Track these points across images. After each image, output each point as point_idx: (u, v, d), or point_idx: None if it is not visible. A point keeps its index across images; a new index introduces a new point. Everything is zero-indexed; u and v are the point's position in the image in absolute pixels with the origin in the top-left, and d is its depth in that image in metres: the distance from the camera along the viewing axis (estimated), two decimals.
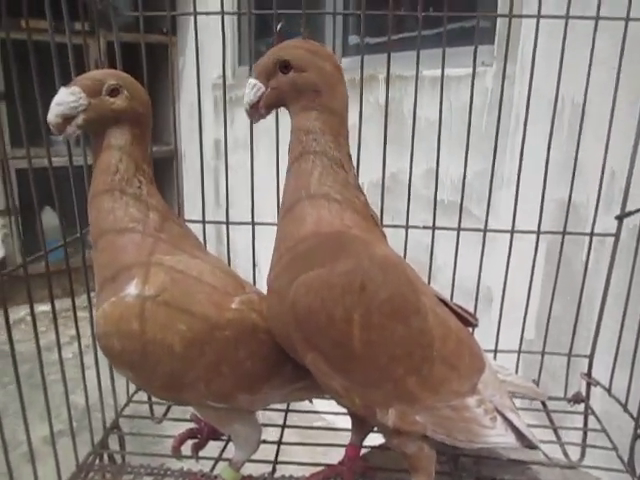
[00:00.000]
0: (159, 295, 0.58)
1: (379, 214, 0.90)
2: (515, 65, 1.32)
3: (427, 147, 0.92)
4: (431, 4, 0.98)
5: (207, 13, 0.92)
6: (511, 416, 0.63)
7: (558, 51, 0.83)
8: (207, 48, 1.12)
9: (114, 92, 0.61)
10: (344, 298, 0.52)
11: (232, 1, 2.47)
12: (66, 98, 0.59)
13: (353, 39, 2.03)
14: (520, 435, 0.63)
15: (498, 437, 0.62)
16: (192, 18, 0.89)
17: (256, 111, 0.61)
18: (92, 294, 0.74)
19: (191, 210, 1.06)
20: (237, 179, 1.11)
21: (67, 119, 0.59)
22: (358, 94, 0.86)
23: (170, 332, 0.57)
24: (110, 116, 0.61)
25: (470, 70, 0.85)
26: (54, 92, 0.65)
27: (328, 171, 0.57)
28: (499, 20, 1.38)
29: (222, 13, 0.89)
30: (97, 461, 0.82)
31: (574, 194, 0.88)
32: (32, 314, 0.70)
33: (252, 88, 0.60)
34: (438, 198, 0.91)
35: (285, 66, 0.58)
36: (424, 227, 0.91)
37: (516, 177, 0.89)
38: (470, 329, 0.69)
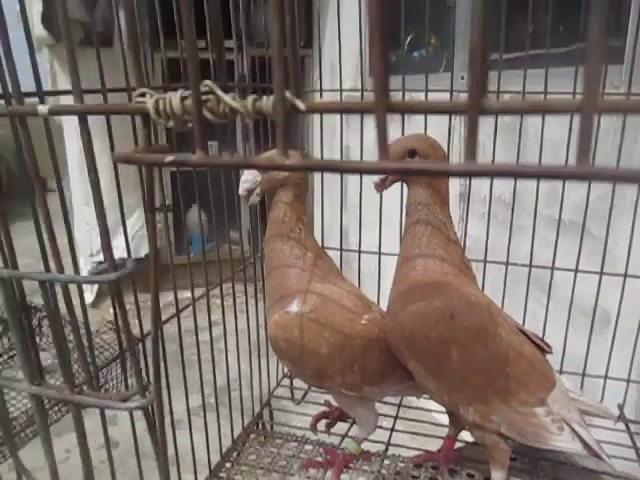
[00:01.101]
0: (312, 312, 0.83)
1: (483, 245, 1.04)
2: None
3: None
4: (563, 22, 1.01)
5: (329, 90, 1.18)
6: (578, 428, 0.77)
7: None
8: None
9: None
10: (437, 325, 0.73)
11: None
12: (248, 177, 0.85)
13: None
14: (588, 446, 0.77)
15: (565, 443, 0.77)
16: (326, 32, 1.08)
17: (382, 184, 0.82)
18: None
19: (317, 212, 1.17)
20: (365, 184, 1.21)
21: (250, 191, 0.86)
22: None
23: (318, 339, 0.82)
24: (277, 184, 0.86)
25: None
26: None
27: (435, 233, 0.78)
28: (629, 39, 1.35)
29: (340, 90, 1.14)
30: (255, 427, 1.12)
31: None
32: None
33: None
34: (557, 217, 0.98)
35: (412, 153, 0.78)
36: (522, 265, 1.07)
37: None
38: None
